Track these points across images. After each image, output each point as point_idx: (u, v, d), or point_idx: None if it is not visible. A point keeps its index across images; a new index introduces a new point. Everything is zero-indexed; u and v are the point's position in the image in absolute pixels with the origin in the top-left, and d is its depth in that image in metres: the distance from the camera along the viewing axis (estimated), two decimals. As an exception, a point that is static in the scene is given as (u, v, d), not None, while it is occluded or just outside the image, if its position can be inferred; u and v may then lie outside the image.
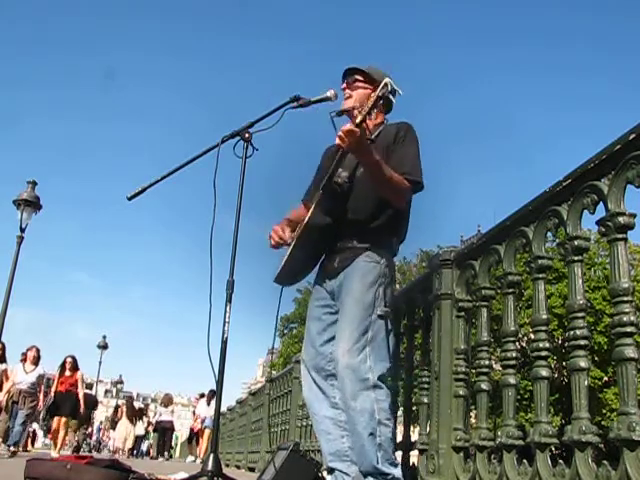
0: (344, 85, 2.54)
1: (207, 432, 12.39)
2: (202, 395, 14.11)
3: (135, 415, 16.19)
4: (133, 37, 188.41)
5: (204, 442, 12.55)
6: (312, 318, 2.51)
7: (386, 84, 2.11)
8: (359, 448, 2.20)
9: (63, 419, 9.03)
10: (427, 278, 2.96)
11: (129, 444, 15.65)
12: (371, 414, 2.18)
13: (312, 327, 2.49)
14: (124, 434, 15.41)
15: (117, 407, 18.45)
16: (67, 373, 9.20)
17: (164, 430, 14.54)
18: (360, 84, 2.52)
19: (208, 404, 12.74)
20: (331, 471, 2.34)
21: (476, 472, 2.34)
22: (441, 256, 2.76)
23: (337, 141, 2.16)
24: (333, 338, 2.38)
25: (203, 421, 12.94)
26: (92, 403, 12.53)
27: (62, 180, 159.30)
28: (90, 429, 23.40)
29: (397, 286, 2.66)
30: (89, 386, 14.34)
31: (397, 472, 2.23)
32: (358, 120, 2.12)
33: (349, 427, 2.24)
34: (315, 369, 2.42)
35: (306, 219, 2.36)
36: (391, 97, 2.27)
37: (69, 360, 9.25)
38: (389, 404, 2.29)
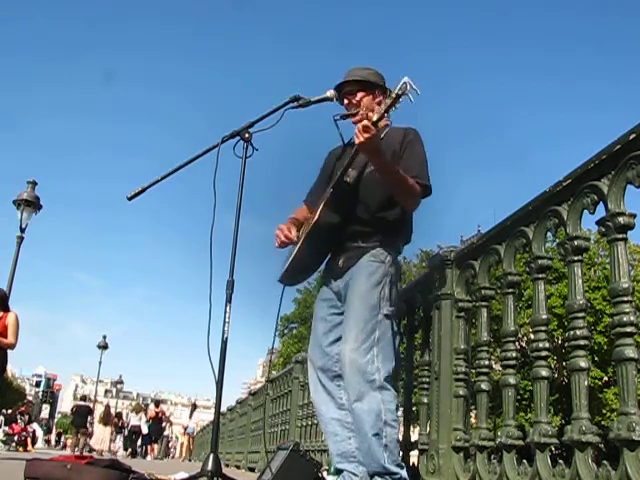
0: (346, 102, 2.48)
1: (186, 437, 19.15)
2: (157, 403, 18.42)
3: (109, 420, 17.96)
4: (133, 37, 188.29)
5: (186, 444, 18.75)
6: (318, 318, 2.48)
7: (405, 83, 2.01)
8: (366, 449, 2.18)
9: None
10: (427, 278, 2.96)
11: (104, 446, 17.33)
12: (377, 414, 2.16)
13: (319, 327, 2.46)
14: (100, 437, 17.29)
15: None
16: None
17: (134, 433, 17.89)
18: (361, 94, 2.46)
19: (190, 417, 18.87)
20: (339, 472, 2.32)
21: (476, 472, 2.34)
22: (441, 256, 2.77)
23: (355, 139, 2.11)
24: (339, 339, 2.36)
25: (186, 428, 18.55)
26: (86, 414, 15.75)
27: (62, 180, 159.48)
28: (91, 429, 23.76)
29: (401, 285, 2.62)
30: (83, 398, 16.29)
31: (403, 473, 2.22)
32: (375, 118, 2.06)
33: (355, 427, 2.22)
34: (322, 370, 2.40)
35: (316, 216, 2.32)
36: (410, 97, 2.06)
37: None
38: (396, 405, 2.28)
